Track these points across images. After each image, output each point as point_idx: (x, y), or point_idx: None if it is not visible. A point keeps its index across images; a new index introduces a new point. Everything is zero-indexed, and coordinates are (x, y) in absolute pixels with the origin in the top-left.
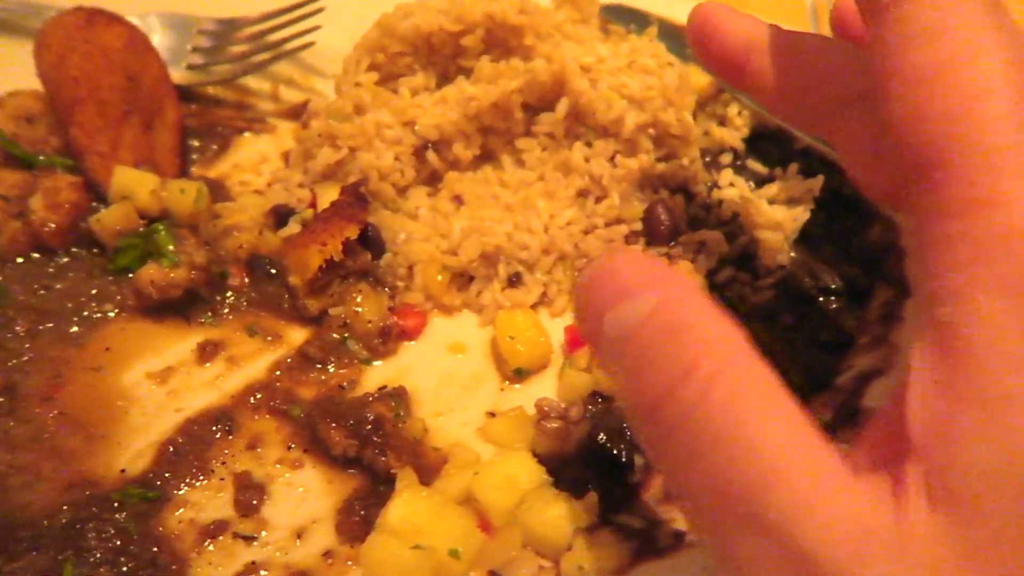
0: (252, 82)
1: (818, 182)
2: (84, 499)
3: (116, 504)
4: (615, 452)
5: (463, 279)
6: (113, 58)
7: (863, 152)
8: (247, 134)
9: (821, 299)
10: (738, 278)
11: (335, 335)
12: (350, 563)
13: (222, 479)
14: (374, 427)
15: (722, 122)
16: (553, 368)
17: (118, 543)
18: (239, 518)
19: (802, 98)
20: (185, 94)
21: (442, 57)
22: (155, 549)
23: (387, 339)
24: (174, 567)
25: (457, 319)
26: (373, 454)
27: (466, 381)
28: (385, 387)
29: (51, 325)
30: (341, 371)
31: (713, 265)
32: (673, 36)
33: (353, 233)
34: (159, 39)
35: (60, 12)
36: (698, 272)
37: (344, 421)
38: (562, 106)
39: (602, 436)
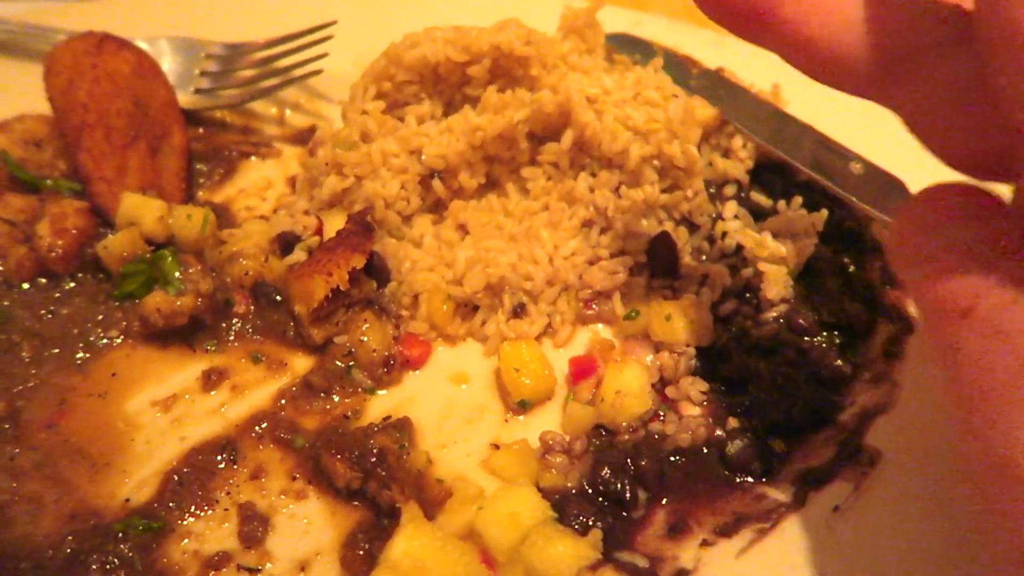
0: (258, 106)
1: (822, 217)
2: (87, 529)
3: (120, 535)
4: (618, 487)
5: (467, 309)
6: (121, 84)
7: (938, 114)
8: (253, 158)
9: (824, 334)
10: (741, 311)
11: (339, 364)
12: None
13: (226, 509)
14: (378, 459)
15: (726, 154)
16: (557, 400)
17: (121, 574)
18: (243, 550)
19: (853, 53)
20: (192, 117)
21: (448, 86)
22: None
23: (391, 368)
24: None
25: (461, 349)
26: (377, 487)
27: (469, 412)
28: (389, 417)
29: (56, 351)
30: (345, 400)
31: (717, 297)
32: (678, 67)
33: (359, 263)
34: (168, 63)
35: (70, 36)
36: (702, 305)
37: (348, 453)
38: (567, 137)
39: (606, 471)
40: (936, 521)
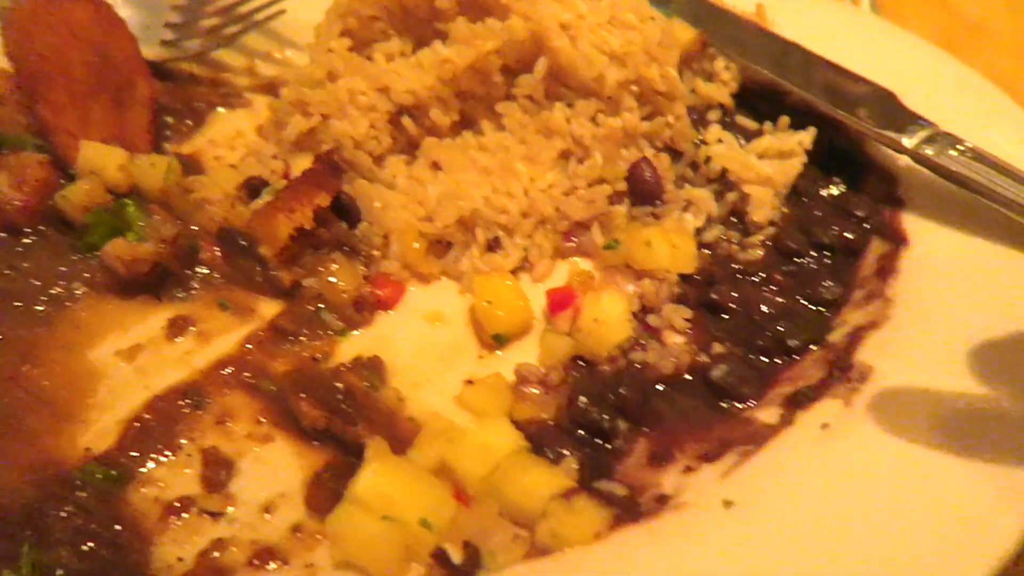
0: (228, 57)
1: (809, 134)
2: (46, 479)
3: (78, 483)
4: (597, 417)
5: (441, 246)
6: (81, 34)
7: None
8: (222, 109)
9: (814, 255)
10: (727, 237)
11: (309, 307)
12: (319, 536)
13: (189, 455)
14: (345, 398)
15: (709, 78)
16: (535, 335)
17: (79, 523)
18: (206, 494)
19: None
20: (160, 71)
21: (417, 21)
22: (118, 528)
23: (362, 309)
24: (137, 546)
25: (435, 287)
26: (343, 425)
27: (444, 350)
28: (359, 358)
29: (19, 305)
30: (315, 343)
31: (701, 224)
32: None
33: (324, 201)
34: (130, 15)
35: None
36: (685, 230)
37: (315, 393)
38: (541, 66)
39: (583, 400)
40: (929, 435)
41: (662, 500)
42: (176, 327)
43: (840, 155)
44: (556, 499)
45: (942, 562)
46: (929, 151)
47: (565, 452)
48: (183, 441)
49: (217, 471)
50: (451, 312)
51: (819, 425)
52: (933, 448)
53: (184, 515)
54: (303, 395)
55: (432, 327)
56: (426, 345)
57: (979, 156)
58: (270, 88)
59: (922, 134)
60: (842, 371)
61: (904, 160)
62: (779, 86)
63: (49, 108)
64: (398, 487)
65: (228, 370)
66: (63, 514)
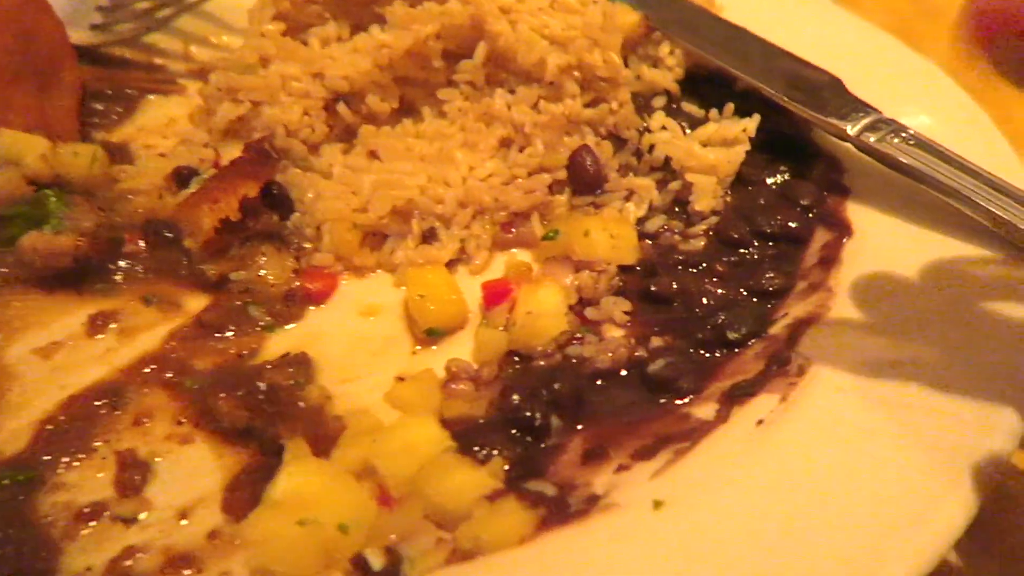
0: (162, 41)
1: (754, 121)
2: None
3: None
4: (530, 415)
5: (376, 238)
6: (1, 16)
7: None
8: (154, 96)
9: (757, 245)
10: (670, 227)
11: (236, 301)
12: (237, 542)
13: (104, 458)
14: (267, 396)
15: (655, 64)
16: (470, 329)
17: None
18: (119, 499)
19: None
20: (89, 55)
21: (355, 5)
22: (23, 536)
23: (292, 303)
24: (44, 555)
25: (370, 280)
26: (264, 425)
27: (377, 345)
28: (287, 355)
29: None
30: (241, 339)
31: (643, 213)
32: None
33: (252, 191)
34: None
35: None
36: (625, 220)
37: (237, 391)
38: (480, 50)
39: (516, 397)
40: (866, 428)
41: (592, 500)
42: (97, 324)
43: (785, 142)
44: (480, 501)
45: (883, 556)
46: (871, 138)
47: (495, 452)
48: (98, 443)
49: (132, 474)
50: (385, 305)
51: (754, 421)
52: (870, 441)
53: (95, 521)
54: (224, 394)
55: (366, 321)
56: (358, 340)
57: (922, 144)
58: (205, 73)
59: (865, 121)
60: (780, 365)
61: (849, 147)
62: (725, 72)
63: None
64: (316, 490)
65: (149, 368)
66: None
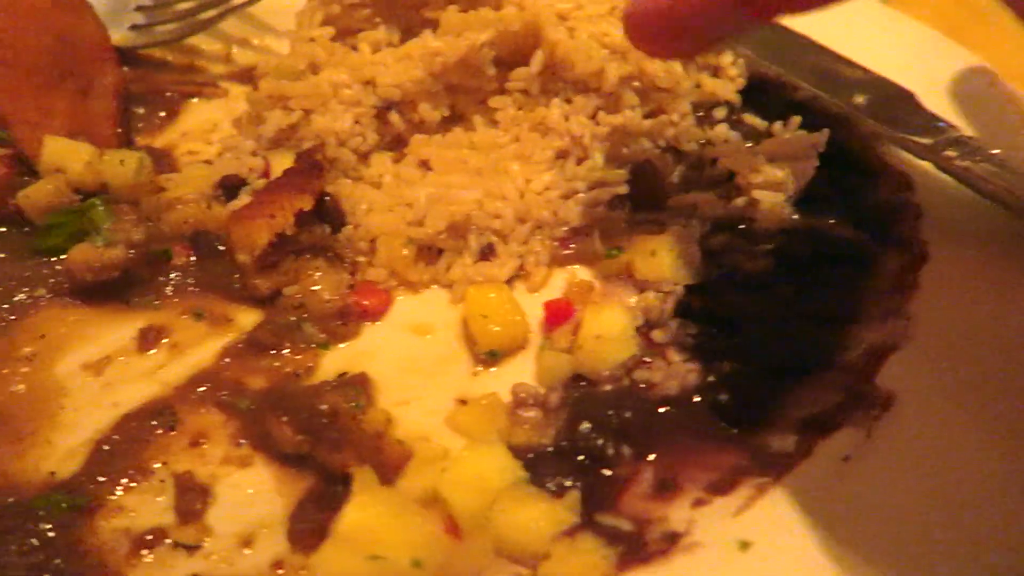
0: (202, 43)
1: (823, 136)
2: (4, 507)
3: (41, 514)
4: (599, 443)
5: (431, 253)
6: (42, 18)
7: None
8: (196, 100)
9: (825, 267)
10: (733, 244)
11: (289, 317)
12: (303, 573)
13: (161, 481)
14: (329, 421)
15: (715, 73)
16: (531, 349)
17: (41, 557)
18: (179, 525)
19: None
20: (129, 57)
21: (404, 8)
22: (84, 562)
23: (346, 320)
24: None
25: (424, 297)
26: (327, 452)
27: (433, 365)
28: (344, 374)
29: None
30: (296, 357)
31: (706, 230)
32: None
33: (306, 204)
34: None
35: None
36: (690, 238)
37: (296, 414)
38: (537, 59)
39: (585, 425)
40: (957, 468)
41: (672, 538)
42: (147, 338)
43: (851, 158)
44: (558, 538)
45: None
46: (954, 157)
47: (567, 483)
48: (155, 465)
49: (192, 499)
50: (440, 324)
51: (840, 457)
52: (966, 485)
53: (156, 548)
54: (284, 417)
55: (421, 340)
56: (414, 359)
57: (1003, 163)
58: (247, 76)
59: (946, 138)
60: (861, 397)
61: (920, 165)
62: (789, 82)
63: (7, 97)
64: (387, 523)
65: (203, 387)
66: (24, 547)
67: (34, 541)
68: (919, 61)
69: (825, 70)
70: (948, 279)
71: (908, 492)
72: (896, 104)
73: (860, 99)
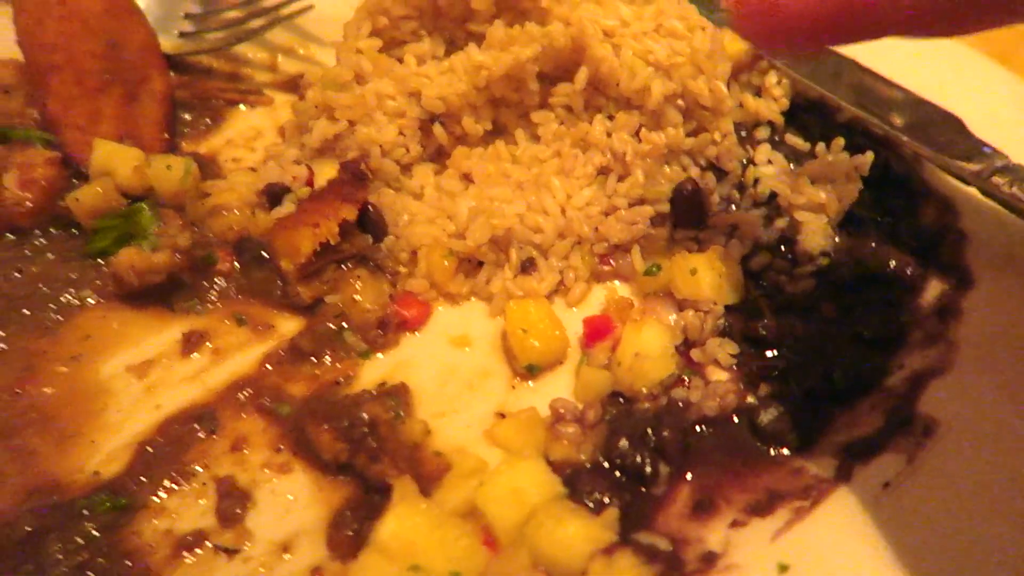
0: (248, 51)
1: (867, 159)
2: (49, 506)
3: (84, 512)
4: (637, 460)
5: (471, 265)
6: (92, 23)
7: None
8: (242, 107)
9: (868, 289)
10: (775, 265)
11: (330, 325)
12: None
13: (203, 484)
14: (369, 430)
15: (758, 93)
16: (569, 364)
17: (84, 556)
18: (220, 528)
19: None
20: (176, 64)
21: (450, 22)
22: (126, 563)
23: (387, 330)
24: None
25: (463, 308)
26: (367, 461)
27: (472, 377)
28: (384, 384)
29: (25, 312)
30: (336, 365)
31: (748, 250)
32: None
33: (350, 215)
34: (148, 4)
35: None
36: (731, 258)
37: (336, 422)
38: (581, 75)
39: (623, 442)
40: (999, 499)
41: (710, 559)
42: (191, 342)
43: (896, 181)
44: (597, 555)
45: None
46: (1002, 184)
47: (605, 499)
48: (197, 468)
49: (233, 503)
50: (479, 336)
51: (880, 483)
52: (1006, 516)
53: (197, 551)
54: (325, 426)
55: (460, 352)
56: (452, 371)
57: None
58: (292, 85)
59: (993, 165)
60: (903, 422)
61: (965, 190)
62: (832, 103)
63: (58, 101)
64: (426, 534)
65: (245, 392)
66: (68, 546)
67: (78, 540)
68: (966, 86)
69: (867, 91)
70: (993, 305)
71: (948, 521)
72: (943, 129)
73: (901, 121)
